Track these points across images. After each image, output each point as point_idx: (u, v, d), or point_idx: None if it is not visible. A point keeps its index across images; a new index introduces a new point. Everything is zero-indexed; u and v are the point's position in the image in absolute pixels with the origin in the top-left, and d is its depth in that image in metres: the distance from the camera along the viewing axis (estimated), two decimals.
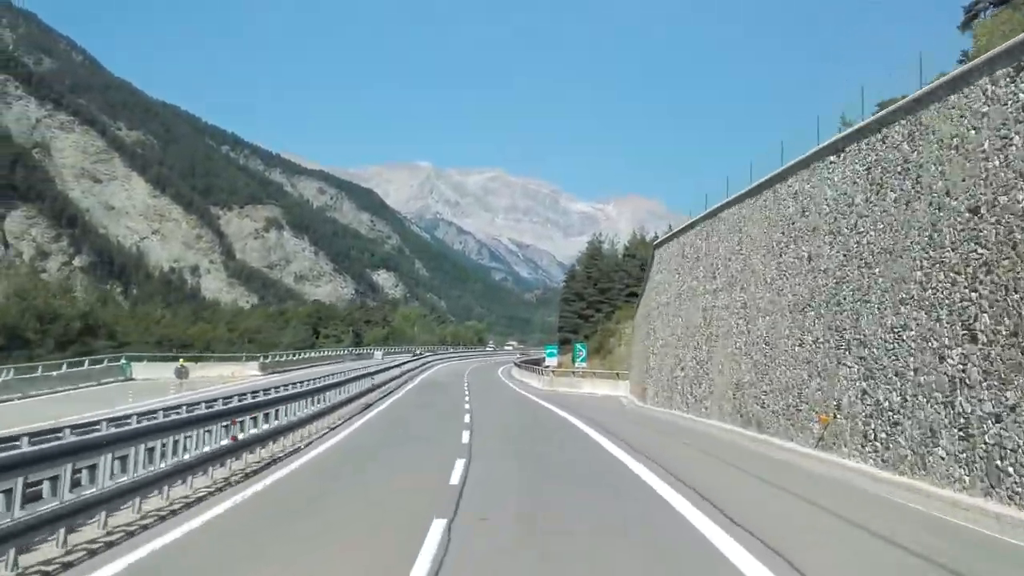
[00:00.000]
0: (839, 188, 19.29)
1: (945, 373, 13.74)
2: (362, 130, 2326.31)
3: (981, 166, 13.13)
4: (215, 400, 17.58)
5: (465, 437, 22.31)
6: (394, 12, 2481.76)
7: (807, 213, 21.18)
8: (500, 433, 24.61)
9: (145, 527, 10.22)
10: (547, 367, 58.15)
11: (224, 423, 15.11)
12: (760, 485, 15.83)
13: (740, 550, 9.17)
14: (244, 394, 19.66)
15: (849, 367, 17.79)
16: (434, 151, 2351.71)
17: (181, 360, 50.88)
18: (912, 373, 14.92)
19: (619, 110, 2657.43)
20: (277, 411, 19.49)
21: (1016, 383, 11.67)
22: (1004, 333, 12.08)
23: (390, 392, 39.43)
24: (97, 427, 11.54)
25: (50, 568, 8.14)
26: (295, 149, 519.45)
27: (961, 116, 13.95)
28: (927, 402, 14.27)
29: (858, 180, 18.25)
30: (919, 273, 14.95)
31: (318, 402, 24.62)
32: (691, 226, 33.37)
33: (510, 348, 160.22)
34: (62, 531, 8.87)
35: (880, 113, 18.03)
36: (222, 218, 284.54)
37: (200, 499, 12.18)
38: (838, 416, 17.93)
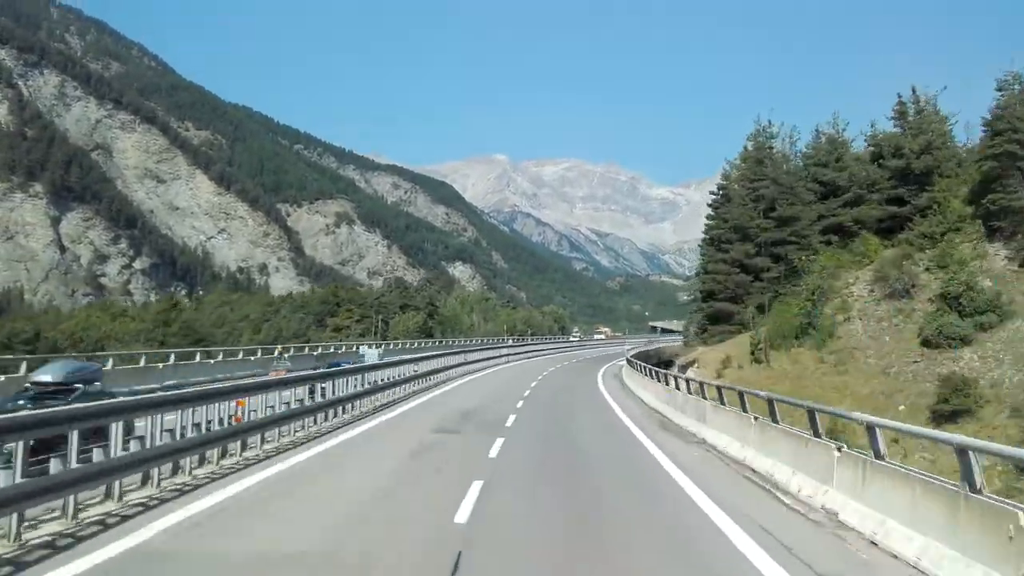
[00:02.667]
0: None
1: None
2: (438, 126, 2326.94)
3: None
4: None
5: None
6: (472, 15, 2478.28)
7: None
8: None
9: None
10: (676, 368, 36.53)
11: None
12: None
13: None
14: None
15: None
16: (510, 144, 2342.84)
17: None
18: None
19: (695, 89, 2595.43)
20: None
21: None
22: None
23: None
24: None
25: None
26: (371, 148, 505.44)
27: None
28: None
29: None
30: None
31: None
32: None
33: (601, 337, 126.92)
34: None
35: None
36: (291, 215, 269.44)
37: None
38: None
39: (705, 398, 16.83)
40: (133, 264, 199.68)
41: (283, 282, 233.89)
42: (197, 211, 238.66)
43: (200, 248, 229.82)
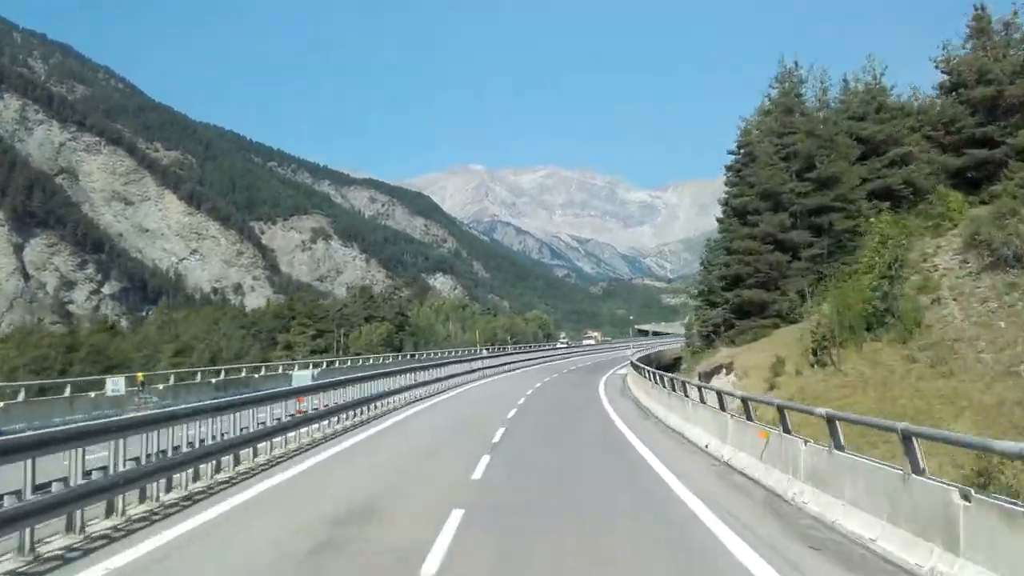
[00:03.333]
0: None
1: None
2: (413, 140, 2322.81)
3: None
4: None
5: None
6: (434, 24, 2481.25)
7: None
8: None
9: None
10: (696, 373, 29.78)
11: None
12: None
13: None
14: None
15: None
16: (486, 154, 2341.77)
17: None
18: None
19: (669, 92, 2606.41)
20: None
21: None
22: None
23: None
24: None
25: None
26: (347, 164, 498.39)
27: None
28: None
29: None
30: None
31: None
32: None
33: (591, 343, 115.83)
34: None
35: None
36: (266, 232, 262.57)
37: None
38: None
39: (788, 431, 10.73)
40: (102, 289, 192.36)
41: (259, 301, 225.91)
42: (167, 232, 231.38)
43: (172, 270, 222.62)
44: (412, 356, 54.43)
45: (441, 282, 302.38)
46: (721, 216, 47.92)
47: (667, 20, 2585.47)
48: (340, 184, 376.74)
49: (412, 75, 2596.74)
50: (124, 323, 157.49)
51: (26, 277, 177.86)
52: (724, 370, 29.62)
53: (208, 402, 14.37)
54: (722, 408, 15.27)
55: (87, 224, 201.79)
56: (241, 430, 14.17)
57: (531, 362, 60.22)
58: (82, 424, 9.88)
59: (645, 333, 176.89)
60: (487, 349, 68.96)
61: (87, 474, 9.18)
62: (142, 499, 10.74)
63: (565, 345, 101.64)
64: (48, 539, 8.66)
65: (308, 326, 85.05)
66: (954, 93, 35.46)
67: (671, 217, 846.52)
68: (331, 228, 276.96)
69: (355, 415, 22.06)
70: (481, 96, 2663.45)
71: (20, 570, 7.73)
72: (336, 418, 20.37)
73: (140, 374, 30.09)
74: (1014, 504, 6.04)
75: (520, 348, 74.40)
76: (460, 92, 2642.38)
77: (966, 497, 6.39)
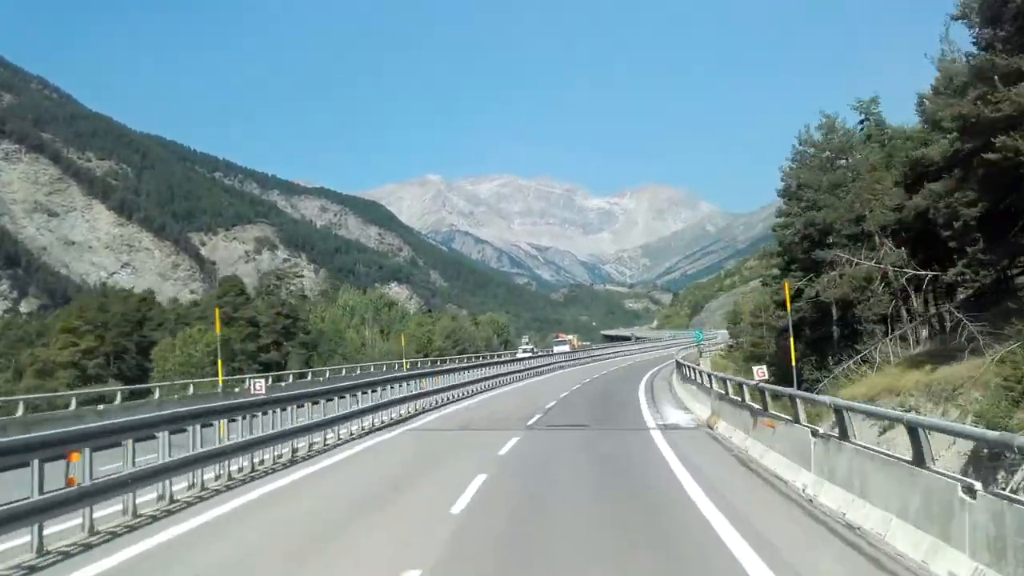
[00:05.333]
0: None
1: None
2: (369, 151, 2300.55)
3: None
4: None
5: None
6: (379, 33, 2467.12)
7: None
8: None
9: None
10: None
11: None
12: None
13: None
14: None
15: None
16: (443, 164, 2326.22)
17: None
18: None
19: (623, 100, 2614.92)
20: None
21: None
22: None
23: None
24: None
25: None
26: (304, 177, 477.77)
27: None
28: None
29: None
30: None
31: None
32: None
33: (565, 348, 78.72)
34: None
35: None
36: (207, 244, 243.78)
37: None
38: None
39: None
40: (18, 307, 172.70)
41: None
42: (96, 245, 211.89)
43: (101, 285, 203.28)
44: (323, 379, 34.62)
45: (396, 291, 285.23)
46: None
47: (617, 27, 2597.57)
48: (290, 194, 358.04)
49: (368, 87, 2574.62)
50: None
51: None
52: None
53: None
54: None
55: (2, 236, 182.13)
56: None
57: (473, 391, 33.26)
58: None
59: (612, 339, 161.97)
60: (410, 365, 48.14)
61: None
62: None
63: (530, 353, 71.32)
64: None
65: (82, 336, 56.87)
66: None
67: (630, 223, 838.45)
68: (276, 237, 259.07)
69: None
70: (438, 106, 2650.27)
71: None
72: None
73: None
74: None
75: (461, 363, 42.44)
76: (415, 103, 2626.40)
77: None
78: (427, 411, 25.13)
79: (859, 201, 28.18)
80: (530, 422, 20.89)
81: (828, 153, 34.45)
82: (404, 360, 49.86)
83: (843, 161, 33.82)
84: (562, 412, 24.24)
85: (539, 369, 50.54)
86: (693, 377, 25.62)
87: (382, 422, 20.55)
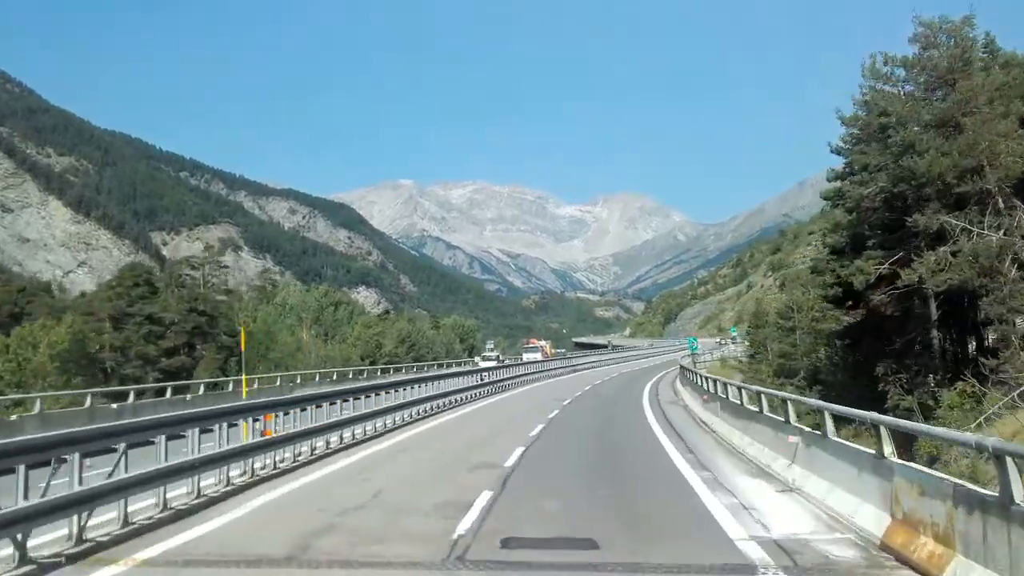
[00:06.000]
0: None
1: None
2: (341, 155, 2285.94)
3: None
4: None
5: None
6: (359, 37, 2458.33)
7: None
8: None
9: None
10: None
11: None
12: None
13: None
14: None
15: None
16: (416, 169, 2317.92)
17: None
18: None
19: (596, 108, 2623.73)
20: None
21: None
22: None
23: None
24: None
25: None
26: (273, 179, 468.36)
27: None
28: None
29: None
30: None
31: None
32: None
33: (536, 356, 69.33)
34: None
35: None
36: (169, 243, 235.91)
37: None
38: None
39: None
40: None
41: None
42: (52, 243, 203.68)
43: (56, 284, 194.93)
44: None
45: (364, 295, 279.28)
46: None
47: (590, 35, 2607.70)
48: (258, 195, 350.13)
49: (343, 91, 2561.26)
50: None
51: None
52: None
53: None
54: None
55: None
56: None
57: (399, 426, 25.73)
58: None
59: (584, 346, 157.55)
60: (400, 371, 41.73)
61: None
62: None
63: (496, 360, 61.27)
64: None
65: None
66: None
67: (601, 231, 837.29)
68: (241, 238, 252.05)
69: None
70: (412, 110, 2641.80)
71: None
72: None
73: None
74: None
75: (407, 376, 31.67)
76: (389, 107, 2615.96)
77: None
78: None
79: (979, 146, 20.11)
80: (457, 533, 8.43)
81: (928, 77, 24.23)
82: (344, 368, 43.07)
83: (946, 90, 23.93)
84: (532, 491, 11.12)
85: (505, 383, 39.45)
86: (754, 408, 14.41)
87: None
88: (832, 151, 29.16)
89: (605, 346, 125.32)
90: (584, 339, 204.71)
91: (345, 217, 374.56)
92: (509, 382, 40.48)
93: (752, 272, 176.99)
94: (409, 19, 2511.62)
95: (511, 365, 49.14)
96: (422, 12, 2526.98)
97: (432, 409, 24.40)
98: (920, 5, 23.99)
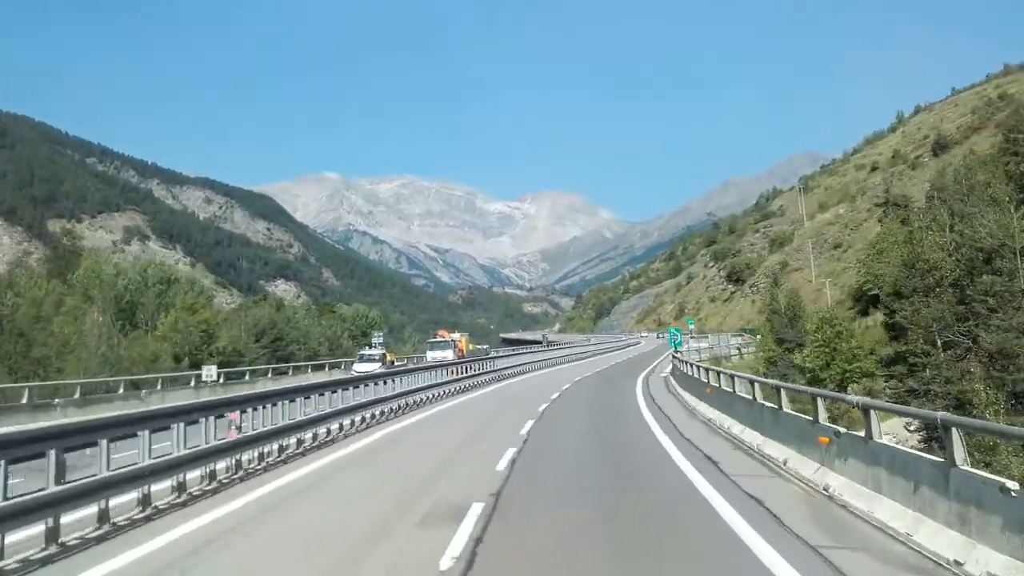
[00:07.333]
0: None
1: None
2: (264, 146, 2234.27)
3: None
4: None
5: None
6: (284, 23, 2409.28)
7: None
8: None
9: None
10: None
11: None
12: None
13: None
14: None
15: None
16: (341, 162, 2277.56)
17: None
18: None
19: (525, 106, 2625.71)
20: None
21: None
22: None
23: None
24: None
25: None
26: (191, 169, 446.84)
27: None
28: None
29: None
30: None
31: None
32: None
33: (445, 355, 45.90)
34: None
35: None
36: (70, 231, 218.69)
37: None
38: None
39: None
40: None
41: None
42: None
43: None
44: None
45: (283, 289, 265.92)
46: None
47: (520, 34, 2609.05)
48: (172, 183, 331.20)
49: (267, 82, 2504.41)
50: None
51: None
52: None
53: None
54: None
55: None
56: None
57: None
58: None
59: (511, 342, 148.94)
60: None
61: None
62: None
63: (380, 361, 44.84)
64: None
65: None
66: None
67: (529, 228, 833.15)
68: (148, 227, 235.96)
69: None
70: (338, 103, 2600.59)
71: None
72: None
73: None
74: None
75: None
76: (314, 100, 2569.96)
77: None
78: None
79: None
80: None
81: None
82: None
83: None
84: None
85: (370, 412, 19.27)
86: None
87: None
88: None
89: (539, 342, 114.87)
90: (512, 335, 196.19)
91: (265, 208, 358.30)
92: (390, 403, 21.52)
93: (687, 265, 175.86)
94: (341, 11, 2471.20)
95: (401, 372, 26.41)
96: (353, 3, 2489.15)
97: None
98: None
